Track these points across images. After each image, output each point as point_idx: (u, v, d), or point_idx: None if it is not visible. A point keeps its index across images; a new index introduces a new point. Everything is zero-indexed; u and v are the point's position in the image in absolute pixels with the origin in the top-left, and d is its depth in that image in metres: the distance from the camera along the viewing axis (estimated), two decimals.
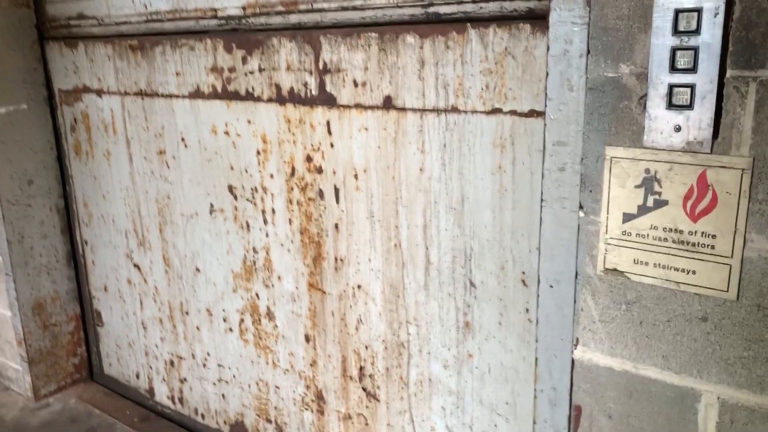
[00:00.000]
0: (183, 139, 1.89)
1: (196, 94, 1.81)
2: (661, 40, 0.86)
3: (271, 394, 1.91)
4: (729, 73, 0.84)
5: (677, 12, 0.84)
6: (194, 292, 2.02)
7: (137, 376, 2.32)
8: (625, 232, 0.94)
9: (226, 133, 1.78)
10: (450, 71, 1.33)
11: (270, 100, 1.65)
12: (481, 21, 1.27)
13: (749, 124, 0.83)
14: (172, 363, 2.18)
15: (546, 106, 0.97)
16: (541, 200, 1.01)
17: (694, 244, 0.89)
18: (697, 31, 0.84)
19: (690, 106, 0.86)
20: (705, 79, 0.84)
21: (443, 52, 1.33)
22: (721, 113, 0.85)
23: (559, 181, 0.99)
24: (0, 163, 2.13)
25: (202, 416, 2.14)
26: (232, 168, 1.80)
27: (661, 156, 0.90)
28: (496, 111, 1.29)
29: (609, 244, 0.96)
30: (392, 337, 1.59)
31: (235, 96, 1.72)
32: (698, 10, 0.83)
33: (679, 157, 0.88)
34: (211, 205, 1.88)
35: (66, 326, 2.38)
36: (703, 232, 0.88)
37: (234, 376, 2.00)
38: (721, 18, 0.82)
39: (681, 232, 0.90)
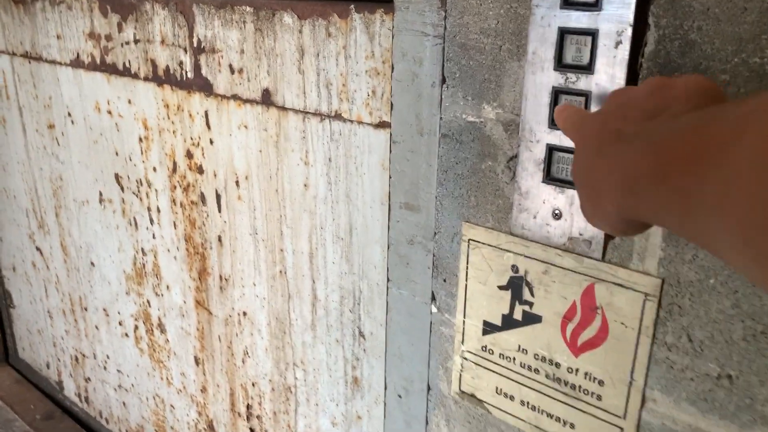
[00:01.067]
0: (69, 114, 1.60)
1: (77, 63, 1.51)
2: (539, 75, 0.54)
3: (167, 412, 1.68)
4: None
5: (563, 33, 0.52)
6: (91, 288, 1.78)
7: (47, 366, 2.11)
8: (485, 347, 0.64)
9: (109, 112, 1.48)
10: (332, 66, 1.01)
11: (147, 78, 1.34)
12: (366, 3, 0.94)
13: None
14: (77, 359, 1.95)
15: (390, 151, 0.66)
16: (387, 280, 0.71)
17: (574, 386, 0.59)
18: (589, 68, 0.51)
19: (572, 184, 0.54)
20: None
21: (324, 41, 1.01)
22: None
23: (408, 259, 0.69)
24: None
25: (107, 420, 1.92)
26: (117, 154, 1.51)
27: (533, 250, 0.59)
28: (384, 125, 0.97)
29: (466, 359, 0.67)
30: (279, 378, 1.32)
31: (114, 70, 1.42)
32: (592, 34, 0.50)
33: (558, 258, 0.57)
34: (101, 194, 1.61)
35: None
36: (586, 373, 0.58)
37: (132, 385, 1.77)
38: (625, 50, 0.49)
39: (558, 365, 0.60)
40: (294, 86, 1.08)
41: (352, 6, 0.96)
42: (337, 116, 1.04)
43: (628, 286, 0.54)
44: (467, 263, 0.64)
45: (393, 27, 0.86)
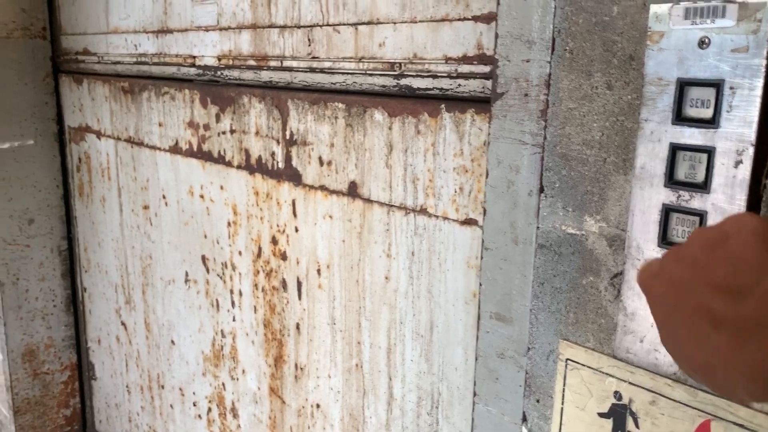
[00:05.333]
0: (164, 196, 1.68)
1: (176, 149, 1.59)
2: (648, 191, 0.51)
3: None
4: None
5: (674, 149, 0.49)
6: (169, 367, 1.80)
7: None
8: None
9: (201, 196, 1.54)
10: (420, 162, 1.01)
11: (240, 166, 1.39)
12: (458, 103, 0.94)
13: None
14: None
15: (482, 258, 0.63)
16: (474, 394, 0.67)
17: None
18: (704, 187, 0.48)
19: None
20: None
21: (413, 138, 1.02)
22: None
23: (498, 374, 0.65)
24: None
25: None
26: (205, 236, 1.56)
27: (640, 377, 0.54)
28: (470, 222, 0.95)
29: None
30: None
31: (209, 157, 1.48)
32: (708, 152, 0.47)
33: (668, 388, 0.52)
34: (186, 274, 1.65)
35: (59, 375, 2.24)
36: None
37: None
38: (746, 170, 0.46)
39: None
40: (380, 180, 1.09)
41: (443, 105, 0.97)
42: (423, 211, 1.03)
43: (751, 428, 0.48)
44: (564, 385, 0.59)
45: (488, 130, 0.86)
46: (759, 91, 0.45)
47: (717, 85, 0.47)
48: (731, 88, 0.46)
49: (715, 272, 0.38)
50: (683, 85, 0.48)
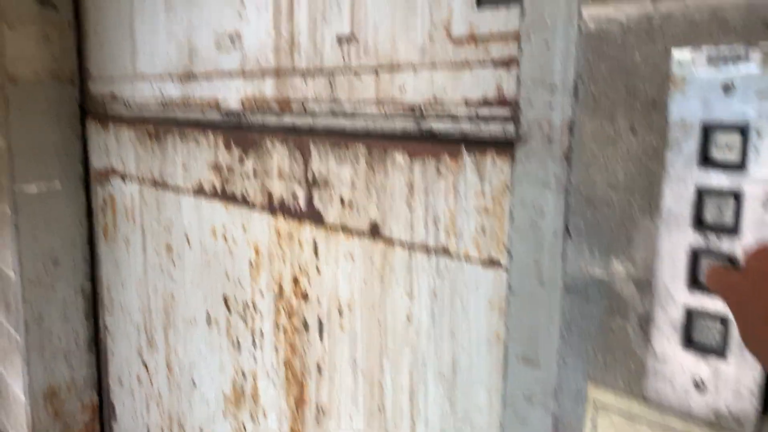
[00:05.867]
0: (187, 237, 1.70)
1: (199, 191, 1.62)
2: (675, 234, 0.51)
3: None
4: None
5: (700, 192, 0.49)
6: (190, 407, 1.79)
7: None
8: None
9: (224, 237, 1.56)
10: (441, 203, 1.02)
11: (263, 207, 1.41)
12: (478, 145, 0.95)
13: None
14: None
15: (507, 300, 0.63)
16: None
17: None
18: (734, 230, 0.48)
19: (721, 353, 0.49)
20: None
21: (434, 179, 1.03)
22: None
23: (525, 419, 0.64)
24: (25, 242, 2.05)
25: None
26: (227, 277, 1.57)
27: (671, 422, 0.53)
28: (493, 263, 0.95)
29: None
30: None
31: (232, 198, 1.50)
32: (736, 195, 0.47)
33: None
34: (208, 314, 1.66)
35: (81, 416, 2.24)
36: None
37: None
38: None
39: None
40: (402, 220, 1.09)
41: (463, 147, 0.98)
42: (444, 251, 1.03)
43: None
44: (593, 428, 0.58)
45: (509, 171, 0.87)
46: None
47: (743, 129, 0.47)
48: (758, 132, 0.46)
49: None
50: (708, 129, 0.49)
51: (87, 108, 2.12)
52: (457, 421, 1.05)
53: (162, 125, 1.73)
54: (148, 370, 1.98)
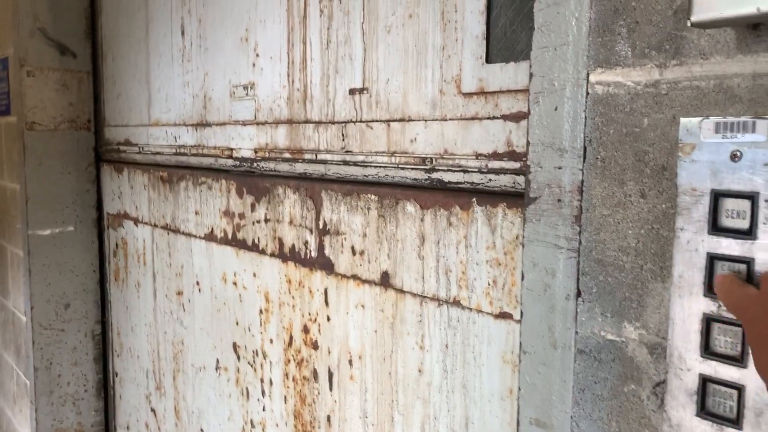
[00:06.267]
0: (198, 283, 1.70)
1: (211, 237, 1.63)
2: (688, 300, 0.50)
3: None
4: None
5: (712, 259, 0.49)
6: None
7: None
8: None
9: (234, 283, 1.56)
10: (452, 254, 1.02)
11: (273, 254, 1.42)
12: (489, 196, 0.96)
13: None
14: None
15: (520, 361, 0.63)
16: None
17: None
18: None
19: (736, 422, 0.48)
20: None
21: (445, 230, 1.03)
22: None
23: None
24: (37, 286, 2.06)
25: None
26: (237, 323, 1.57)
27: None
28: (505, 316, 0.94)
29: None
30: None
31: (243, 245, 1.51)
32: (747, 262, 0.47)
33: None
34: (218, 361, 1.65)
35: None
36: None
37: None
38: None
39: None
40: (413, 271, 1.09)
41: (474, 199, 0.98)
42: (456, 303, 1.03)
43: None
44: None
45: (520, 224, 0.87)
46: None
47: (752, 198, 0.47)
48: (767, 200, 0.47)
49: None
50: (718, 196, 0.49)
51: (102, 153, 2.15)
52: None
53: (175, 171, 1.76)
54: (156, 416, 1.97)
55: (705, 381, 0.50)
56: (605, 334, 0.57)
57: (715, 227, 0.50)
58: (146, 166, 1.90)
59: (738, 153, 0.48)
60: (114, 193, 2.10)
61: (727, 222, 0.49)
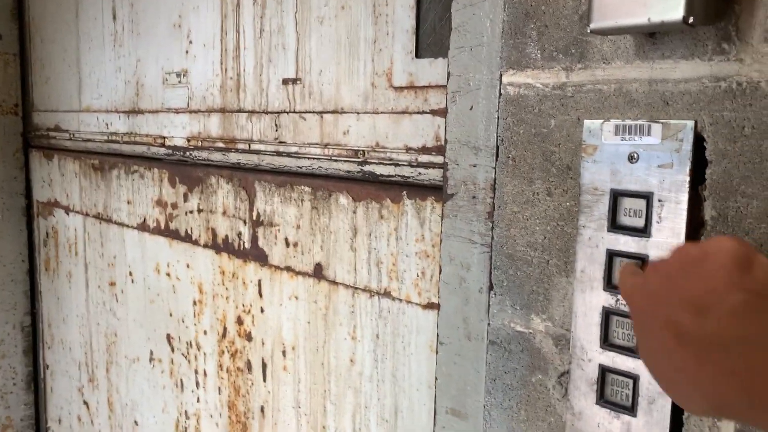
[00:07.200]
0: (131, 273, 1.67)
1: (143, 227, 1.59)
2: (589, 294, 0.53)
3: None
4: None
5: (611, 255, 0.51)
6: None
7: None
8: None
9: (168, 274, 1.54)
10: (384, 246, 1.03)
11: (206, 245, 1.40)
12: (418, 190, 0.97)
13: None
14: None
15: (437, 352, 0.64)
16: None
17: None
18: None
19: (631, 410, 0.51)
20: None
21: (377, 222, 1.04)
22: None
23: None
24: None
25: None
26: (171, 315, 1.54)
27: None
28: (433, 306, 0.96)
29: None
30: None
31: (176, 235, 1.49)
32: (642, 259, 0.50)
33: None
34: (151, 353, 1.62)
35: None
36: None
37: None
38: None
39: None
40: (345, 262, 1.10)
41: (405, 192, 0.99)
42: (386, 294, 1.04)
43: None
44: None
45: (442, 226, 0.89)
46: (684, 205, 0.48)
47: (647, 197, 0.50)
48: (660, 200, 0.49)
49: (688, 288, 0.39)
50: (617, 196, 0.51)
51: (31, 139, 2.07)
52: None
53: (107, 159, 1.71)
54: (89, 409, 1.92)
55: (604, 371, 0.53)
56: (515, 325, 0.59)
57: (614, 225, 0.52)
58: (77, 153, 1.84)
59: (635, 155, 0.50)
60: (44, 180, 2.03)
61: (624, 220, 0.51)
